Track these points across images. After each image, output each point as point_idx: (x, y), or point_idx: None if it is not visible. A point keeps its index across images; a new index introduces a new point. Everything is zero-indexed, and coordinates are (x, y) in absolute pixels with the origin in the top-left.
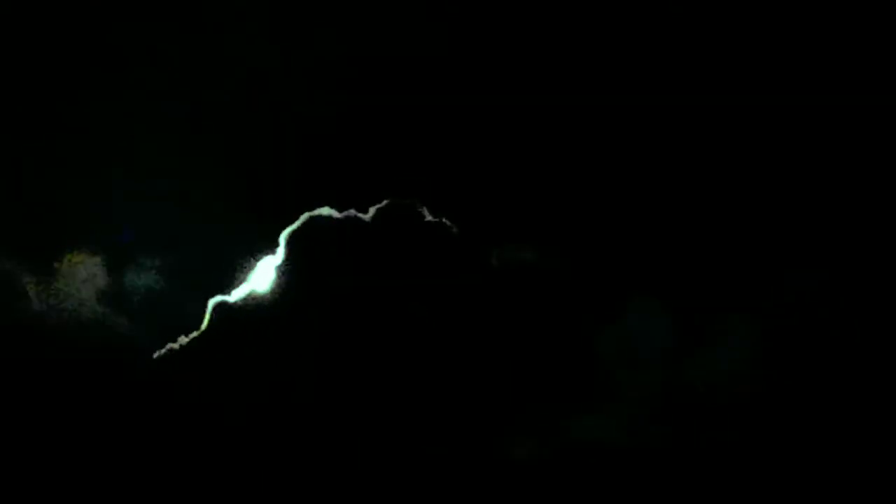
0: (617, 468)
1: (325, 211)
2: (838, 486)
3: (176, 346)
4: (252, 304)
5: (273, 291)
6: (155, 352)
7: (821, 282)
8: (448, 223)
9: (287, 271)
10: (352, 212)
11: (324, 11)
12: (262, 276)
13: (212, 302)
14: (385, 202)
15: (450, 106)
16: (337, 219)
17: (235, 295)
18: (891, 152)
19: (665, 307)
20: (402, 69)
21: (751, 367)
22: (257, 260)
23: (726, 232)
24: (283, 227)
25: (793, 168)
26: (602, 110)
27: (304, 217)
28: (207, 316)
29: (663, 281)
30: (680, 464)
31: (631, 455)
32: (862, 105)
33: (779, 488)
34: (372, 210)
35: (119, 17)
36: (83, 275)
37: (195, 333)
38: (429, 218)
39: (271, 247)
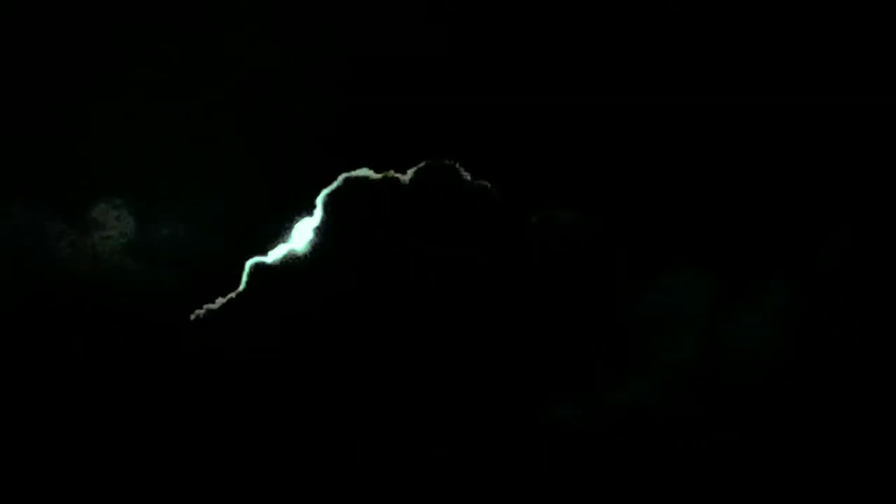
0: (652, 432)
1: (363, 172)
2: (874, 454)
3: (214, 306)
4: (290, 265)
5: (311, 252)
6: (192, 311)
7: (857, 250)
8: (487, 185)
9: (325, 232)
10: (390, 172)
11: (324, 11)
12: (300, 237)
13: (249, 263)
14: (423, 163)
15: (450, 106)
16: (374, 180)
17: (273, 256)
18: None
19: (702, 273)
20: (402, 69)
21: (786, 334)
22: (295, 221)
23: (765, 199)
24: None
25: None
26: (642, 82)
27: (341, 178)
28: (245, 276)
29: (701, 247)
30: (713, 429)
31: (666, 420)
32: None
33: (810, 455)
34: (410, 172)
35: (119, 18)
36: (115, 227)
37: (233, 294)
38: (467, 179)
39: (309, 208)
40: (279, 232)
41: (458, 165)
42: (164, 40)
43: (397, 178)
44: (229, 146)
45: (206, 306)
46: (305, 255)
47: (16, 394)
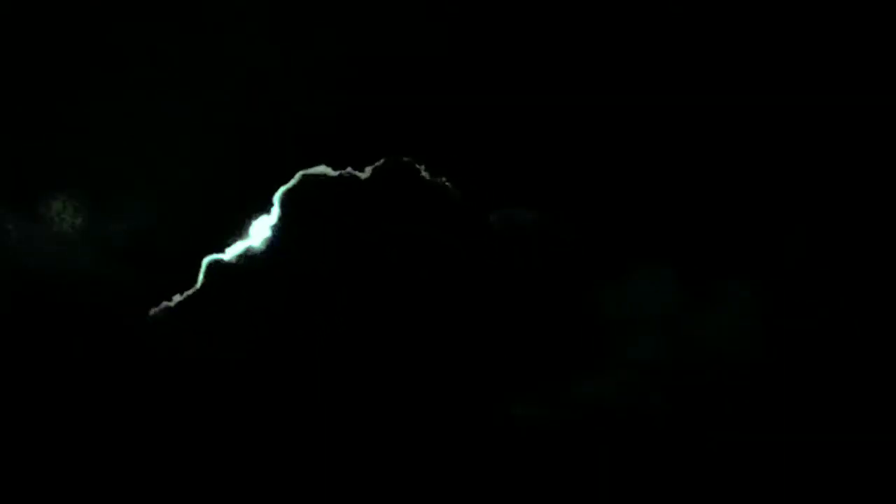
0: (617, 431)
1: (321, 169)
2: (839, 451)
3: (171, 304)
4: (247, 263)
5: (268, 249)
6: (149, 308)
7: (820, 248)
8: (447, 183)
9: (282, 229)
10: (348, 170)
11: (324, 11)
12: (257, 235)
13: (206, 260)
14: (382, 160)
15: (449, 106)
16: (332, 177)
17: (230, 253)
18: None
19: (667, 270)
20: (402, 69)
21: (752, 332)
22: (252, 219)
23: (730, 196)
24: (278, 187)
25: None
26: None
27: (298, 175)
28: (202, 274)
29: (665, 245)
30: (680, 427)
31: (631, 418)
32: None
33: (778, 453)
34: (369, 169)
35: (119, 18)
36: (67, 220)
37: (190, 291)
38: (427, 177)
39: (265, 206)
40: (237, 230)
41: (417, 164)
42: (163, 40)
43: (356, 176)
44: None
45: (163, 304)
46: (262, 253)
47: None
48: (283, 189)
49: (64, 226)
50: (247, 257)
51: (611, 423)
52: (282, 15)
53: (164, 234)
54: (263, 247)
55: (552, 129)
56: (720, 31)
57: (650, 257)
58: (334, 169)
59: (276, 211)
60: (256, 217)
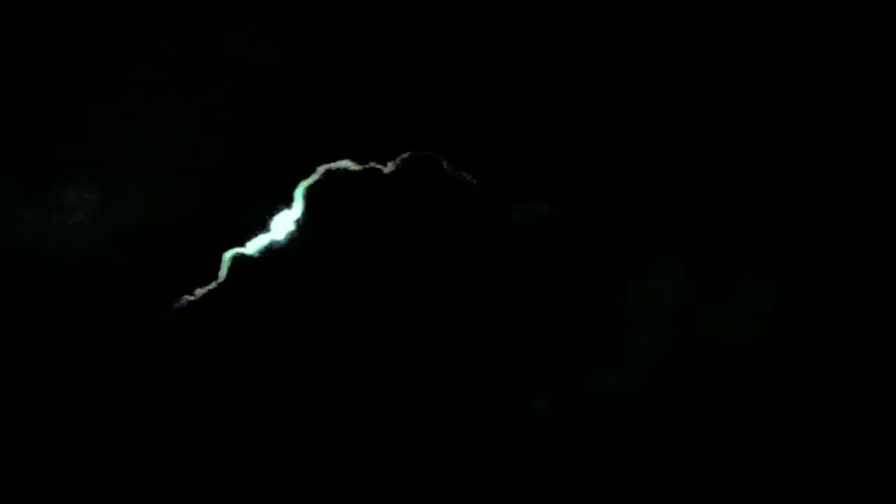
0: (630, 425)
1: (344, 163)
2: (854, 451)
3: (194, 297)
4: (270, 257)
5: (291, 244)
6: (164, 300)
7: (837, 244)
8: (468, 177)
9: (305, 224)
10: (371, 164)
11: (324, 11)
12: (279, 230)
13: (228, 253)
14: (404, 155)
15: (452, 106)
16: (355, 171)
17: (251, 247)
18: None
19: (681, 265)
20: (403, 69)
21: (769, 326)
22: (274, 213)
23: (743, 192)
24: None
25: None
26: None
27: (321, 169)
28: (224, 268)
29: (680, 239)
30: (695, 420)
31: (645, 412)
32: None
33: (793, 452)
34: (391, 165)
35: (119, 17)
36: (84, 211)
37: (213, 285)
38: (449, 171)
39: (287, 201)
40: (259, 225)
41: (440, 158)
42: (164, 40)
43: (379, 170)
44: (220, 142)
45: (185, 297)
46: (286, 247)
47: None
48: (305, 183)
49: (79, 220)
50: (270, 251)
51: (622, 420)
52: (282, 15)
53: (183, 229)
54: (286, 241)
55: (563, 126)
56: (734, 28)
57: (664, 252)
58: (356, 163)
59: (298, 205)
60: (278, 211)
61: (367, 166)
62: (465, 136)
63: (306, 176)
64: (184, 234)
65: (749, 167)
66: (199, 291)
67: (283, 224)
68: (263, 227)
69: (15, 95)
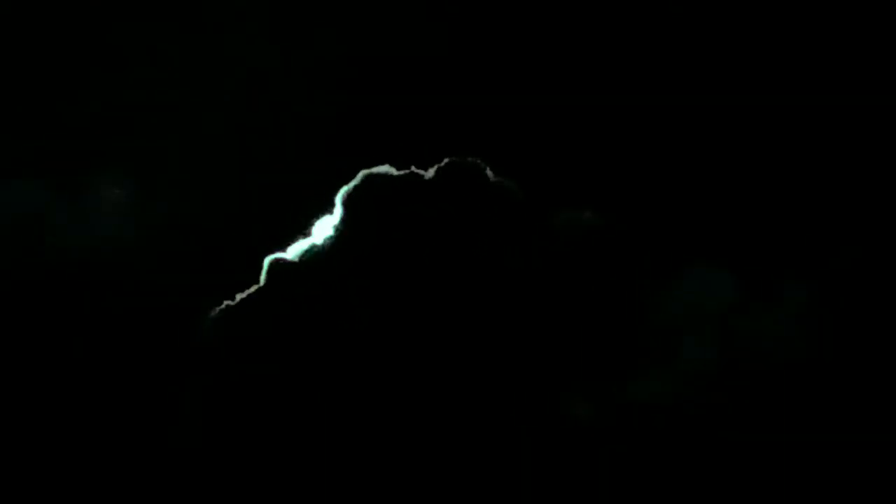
0: (669, 431)
1: (384, 168)
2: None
3: (233, 302)
4: (310, 262)
5: (331, 249)
6: (201, 302)
7: (877, 250)
8: (510, 183)
9: (345, 229)
10: (412, 169)
11: (324, 11)
12: (320, 234)
13: (268, 259)
14: (446, 160)
15: (453, 106)
16: (396, 177)
17: (291, 252)
18: None
19: (722, 272)
20: (403, 69)
21: (808, 333)
22: (315, 219)
23: (784, 198)
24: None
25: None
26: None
27: (361, 174)
28: (264, 272)
29: (720, 246)
30: (732, 429)
31: (683, 419)
32: None
33: (829, 455)
34: (432, 170)
35: (119, 17)
36: (118, 210)
37: (253, 290)
38: (491, 177)
39: (328, 206)
40: (299, 229)
41: (482, 164)
42: (164, 40)
43: (420, 175)
44: (232, 145)
45: (225, 302)
46: (326, 252)
47: (12, 386)
48: (345, 188)
49: (116, 222)
50: (310, 256)
51: (664, 425)
52: (282, 15)
53: (221, 233)
54: (326, 246)
55: (604, 131)
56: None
57: (705, 258)
58: (397, 168)
59: (338, 210)
60: (319, 217)
61: (407, 171)
62: (502, 140)
63: (347, 181)
64: (224, 238)
65: (790, 176)
66: (240, 296)
67: (324, 229)
68: (304, 231)
69: (42, 95)
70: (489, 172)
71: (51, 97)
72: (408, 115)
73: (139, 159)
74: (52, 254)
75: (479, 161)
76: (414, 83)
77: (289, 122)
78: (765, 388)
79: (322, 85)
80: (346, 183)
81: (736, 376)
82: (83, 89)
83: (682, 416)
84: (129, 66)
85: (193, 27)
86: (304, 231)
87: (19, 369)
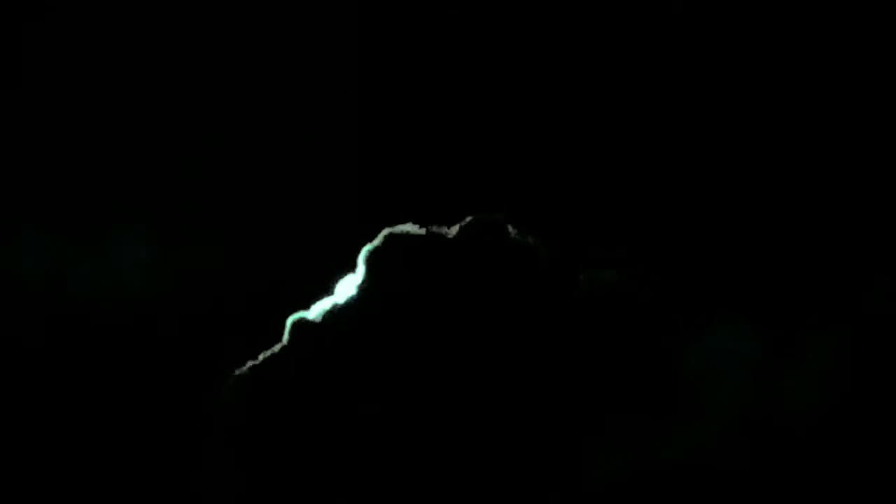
0: (702, 488)
1: (406, 227)
2: None
3: (257, 362)
4: (332, 321)
5: (354, 309)
6: (221, 356)
7: None
8: (534, 241)
9: (368, 289)
10: (434, 228)
11: (324, 11)
12: (342, 294)
13: (291, 318)
14: (469, 219)
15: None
16: (418, 235)
17: (314, 311)
18: None
19: (750, 325)
20: (403, 69)
21: (837, 387)
22: (337, 278)
23: (810, 251)
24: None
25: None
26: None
27: (384, 233)
28: (287, 332)
29: (746, 300)
30: (767, 483)
31: (717, 475)
32: None
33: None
34: (455, 228)
35: (117, 17)
36: (138, 258)
37: (276, 349)
38: (514, 235)
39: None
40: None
41: (504, 221)
42: (165, 40)
43: (442, 234)
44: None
45: (249, 362)
46: (349, 311)
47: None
48: (368, 247)
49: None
50: (333, 315)
51: (695, 481)
52: (281, 15)
53: (244, 292)
54: (349, 305)
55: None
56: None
57: (732, 312)
58: (420, 225)
59: (361, 269)
60: (342, 276)
61: (430, 230)
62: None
63: (370, 239)
64: (247, 296)
65: (819, 221)
66: (262, 356)
67: (347, 288)
68: (326, 291)
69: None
70: (512, 230)
71: (71, 151)
72: (429, 168)
73: (161, 215)
74: (73, 309)
75: (501, 216)
76: (414, 83)
77: (312, 180)
78: (798, 442)
79: (345, 143)
80: (368, 241)
81: (768, 432)
82: (104, 144)
83: (714, 473)
84: (151, 121)
85: (193, 27)
86: (327, 290)
87: (42, 426)
